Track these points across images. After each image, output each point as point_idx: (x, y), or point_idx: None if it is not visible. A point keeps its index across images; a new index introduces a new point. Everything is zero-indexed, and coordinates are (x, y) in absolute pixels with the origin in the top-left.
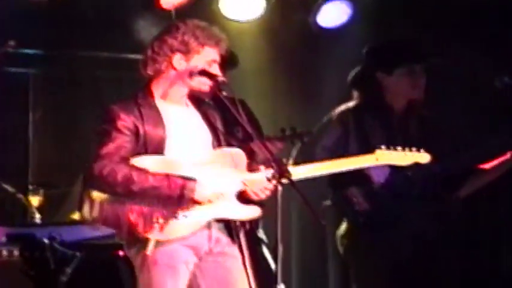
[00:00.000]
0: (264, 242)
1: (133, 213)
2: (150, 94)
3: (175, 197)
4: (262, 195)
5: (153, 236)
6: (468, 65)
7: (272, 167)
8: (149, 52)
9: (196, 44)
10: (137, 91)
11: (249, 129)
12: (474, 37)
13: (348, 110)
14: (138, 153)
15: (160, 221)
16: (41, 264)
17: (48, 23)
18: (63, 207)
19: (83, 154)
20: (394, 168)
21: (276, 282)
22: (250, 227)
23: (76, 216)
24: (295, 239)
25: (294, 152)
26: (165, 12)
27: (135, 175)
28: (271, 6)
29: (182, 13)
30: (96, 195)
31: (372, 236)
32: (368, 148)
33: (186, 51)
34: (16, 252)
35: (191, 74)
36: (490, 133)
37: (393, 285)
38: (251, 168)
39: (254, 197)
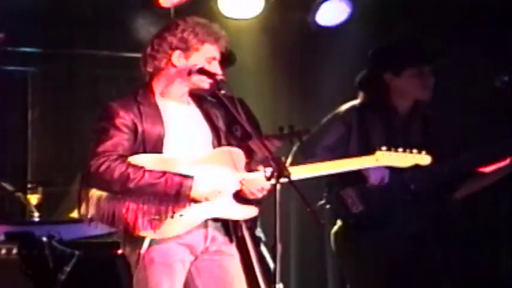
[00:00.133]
0: (262, 241)
1: (129, 211)
2: (150, 91)
3: (172, 194)
4: (259, 195)
5: (149, 234)
6: (468, 64)
7: (271, 165)
8: (149, 49)
9: (195, 41)
10: (138, 88)
11: (248, 127)
12: (474, 36)
13: (353, 109)
14: (136, 151)
15: (156, 219)
16: (39, 262)
17: (47, 22)
18: (62, 205)
19: (82, 152)
20: (392, 170)
21: (274, 282)
22: (249, 226)
23: (75, 214)
24: (294, 238)
25: (294, 151)
26: (164, 11)
27: (131, 172)
28: (270, 4)
29: (181, 11)
30: (93, 192)
31: (364, 237)
32: (368, 149)
33: (185, 49)
34: (15, 251)
35: (190, 72)
36: (489, 133)
37: (386, 285)
38: (250, 167)
39: (250, 196)
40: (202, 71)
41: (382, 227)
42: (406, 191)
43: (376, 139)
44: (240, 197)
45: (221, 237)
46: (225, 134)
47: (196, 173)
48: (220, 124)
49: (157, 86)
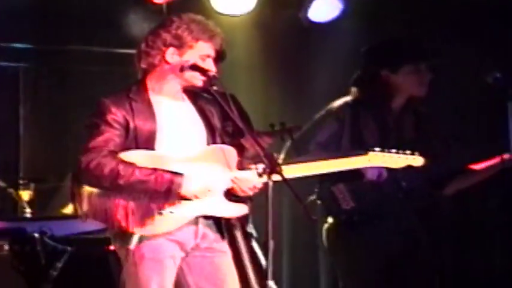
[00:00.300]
0: (253, 237)
1: (119, 207)
2: (144, 88)
3: (162, 191)
4: (250, 193)
5: (139, 230)
6: (461, 61)
7: (263, 161)
8: (143, 46)
9: (190, 38)
10: (131, 85)
11: (240, 124)
12: (466, 33)
13: (346, 105)
14: (128, 148)
15: (146, 215)
16: (31, 258)
17: (39, 18)
18: (54, 201)
19: (74, 149)
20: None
21: (266, 278)
22: (241, 223)
23: (67, 210)
24: (286, 235)
25: (286, 148)
26: (157, 7)
27: (121, 169)
28: (262, 0)
29: (174, 7)
30: (84, 189)
31: (356, 233)
32: (360, 145)
33: (179, 46)
34: (6, 247)
35: (182, 69)
36: (481, 131)
37: (378, 281)
38: (242, 165)
39: (241, 194)
40: (194, 68)
41: (374, 224)
42: (398, 188)
43: (369, 136)
44: (231, 194)
45: (212, 234)
46: (219, 131)
47: (187, 170)
48: (215, 121)
49: (151, 83)
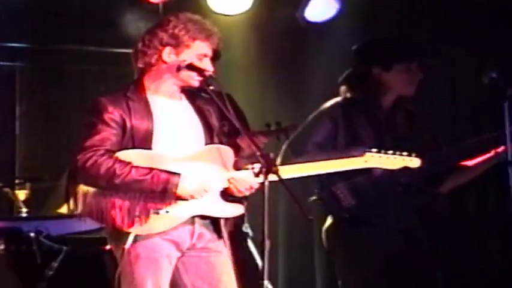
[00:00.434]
0: (249, 237)
1: (115, 206)
2: (141, 87)
3: (158, 191)
4: (246, 193)
5: (134, 230)
6: (455, 61)
7: (259, 161)
8: (140, 45)
9: (186, 37)
10: (129, 84)
11: (236, 123)
12: (461, 32)
13: (338, 105)
14: (125, 147)
15: (142, 215)
16: (27, 258)
17: (35, 17)
18: (50, 201)
19: (70, 148)
20: None
21: (262, 278)
22: (235, 223)
23: (63, 210)
24: (282, 235)
25: (283, 150)
26: (153, 6)
27: (118, 168)
28: (258, 0)
29: (170, 7)
30: (80, 188)
31: (355, 233)
32: (356, 144)
33: (176, 45)
34: (2, 246)
35: (179, 68)
36: (475, 128)
37: (378, 280)
38: (238, 165)
39: (237, 194)
40: (191, 67)
41: (373, 223)
42: (396, 183)
43: (364, 134)
44: (227, 194)
45: (208, 234)
46: (217, 131)
47: (183, 170)
48: (213, 120)
49: (149, 82)
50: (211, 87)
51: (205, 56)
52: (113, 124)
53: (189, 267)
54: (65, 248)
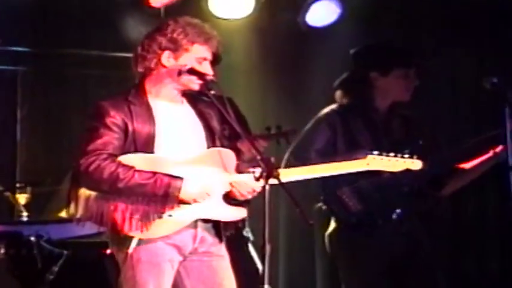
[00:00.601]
0: (250, 241)
1: (118, 210)
2: (143, 91)
3: (161, 195)
4: (249, 196)
5: (137, 234)
6: (455, 60)
7: (260, 165)
8: (139, 50)
9: (185, 41)
10: (130, 88)
11: (237, 127)
12: (461, 32)
13: (334, 112)
14: (127, 151)
15: (144, 219)
16: (27, 262)
17: (37, 21)
18: (51, 205)
19: (71, 152)
20: None
21: (262, 283)
22: (236, 227)
23: (63, 214)
24: (282, 239)
25: (286, 158)
26: (154, 10)
27: (121, 172)
28: (260, 4)
29: (171, 11)
30: (82, 192)
31: (359, 237)
32: (356, 149)
33: (175, 49)
34: (2, 250)
35: (180, 73)
36: (475, 128)
37: (380, 284)
38: (240, 169)
39: (240, 198)
40: (192, 72)
41: (379, 225)
42: (401, 184)
43: (361, 138)
44: (230, 198)
45: (210, 238)
46: (219, 134)
47: (186, 173)
48: (215, 124)
49: (150, 86)
50: (212, 92)
51: (205, 59)
52: (115, 128)
53: (190, 272)
54: (65, 252)
